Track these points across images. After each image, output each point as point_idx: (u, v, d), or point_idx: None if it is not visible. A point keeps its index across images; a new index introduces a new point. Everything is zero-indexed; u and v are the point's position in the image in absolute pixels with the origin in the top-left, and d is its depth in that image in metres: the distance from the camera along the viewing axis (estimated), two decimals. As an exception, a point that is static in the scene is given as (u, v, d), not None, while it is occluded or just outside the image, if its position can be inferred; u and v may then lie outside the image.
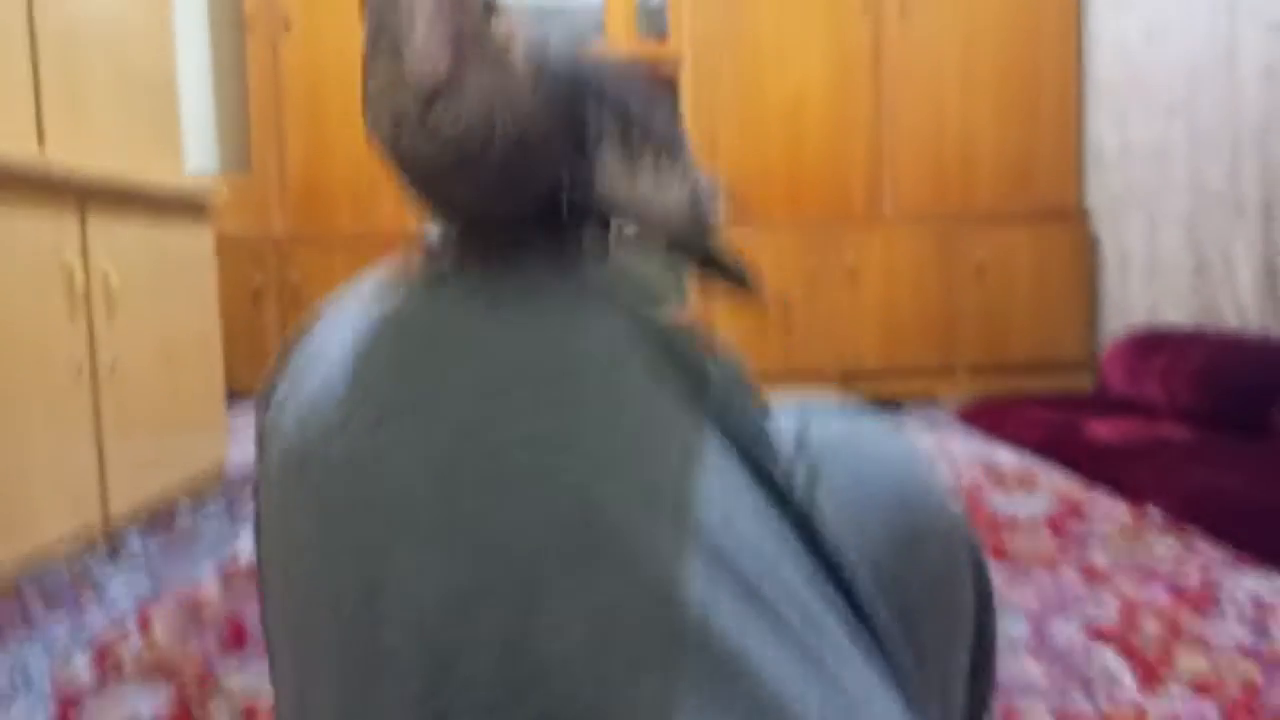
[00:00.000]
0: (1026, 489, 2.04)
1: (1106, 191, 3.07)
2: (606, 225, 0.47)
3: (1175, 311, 2.81)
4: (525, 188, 0.43)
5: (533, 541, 0.32)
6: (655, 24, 3.34)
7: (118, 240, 1.80)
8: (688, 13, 3.21)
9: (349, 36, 3.13)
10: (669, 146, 0.48)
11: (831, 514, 0.42)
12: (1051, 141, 3.26)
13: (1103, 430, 2.34)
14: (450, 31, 0.40)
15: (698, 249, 0.53)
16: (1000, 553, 1.60)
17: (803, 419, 0.47)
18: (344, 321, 0.42)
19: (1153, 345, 2.66)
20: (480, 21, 0.41)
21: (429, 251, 0.48)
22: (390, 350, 0.38)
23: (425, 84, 0.40)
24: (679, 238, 0.51)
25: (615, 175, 0.45)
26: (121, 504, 1.78)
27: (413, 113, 0.41)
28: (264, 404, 0.46)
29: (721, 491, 0.37)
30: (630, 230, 0.47)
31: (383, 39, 0.41)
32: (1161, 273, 2.86)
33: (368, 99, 0.43)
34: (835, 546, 0.41)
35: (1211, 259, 2.61)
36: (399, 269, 0.46)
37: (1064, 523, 1.77)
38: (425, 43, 0.40)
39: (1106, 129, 3.05)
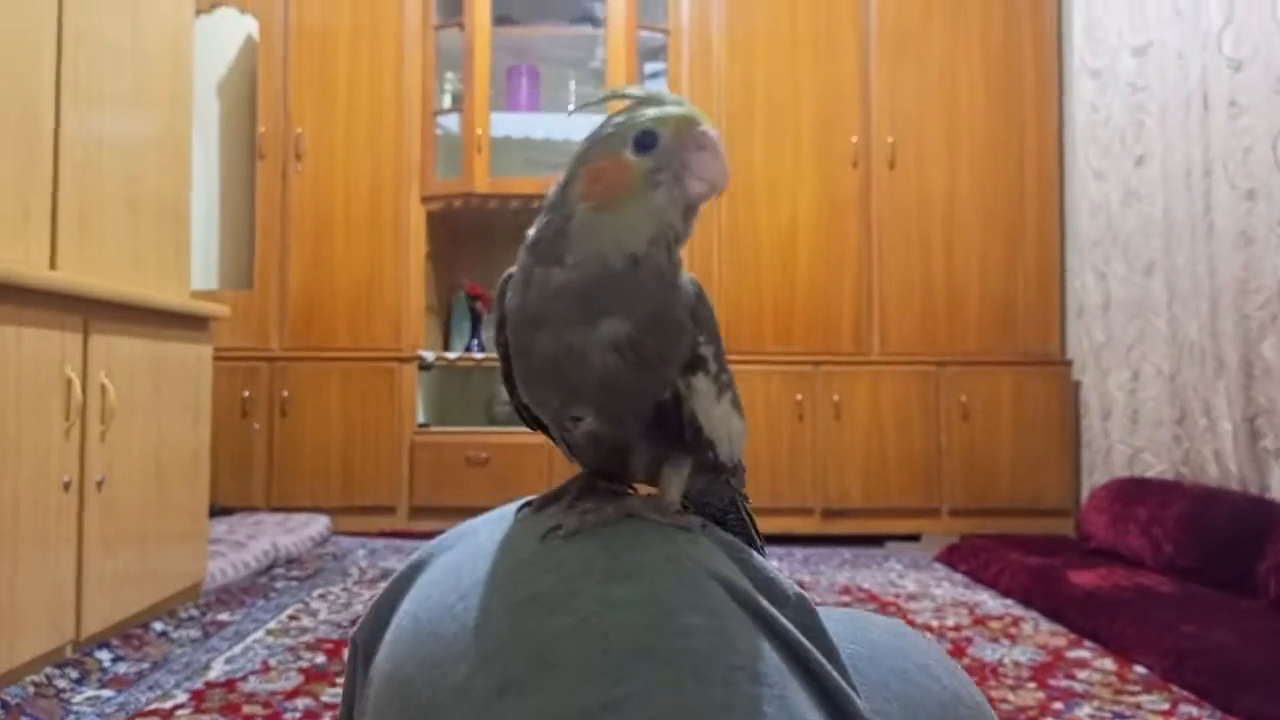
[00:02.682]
0: (1011, 638, 2.02)
1: (1090, 342, 3.15)
2: (689, 447, 0.48)
3: (1157, 461, 2.84)
4: (662, 373, 0.46)
5: None
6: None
7: (118, 355, 1.82)
8: (685, 155, 3.33)
9: (356, 169, 3.25)
10: (733, 384, 0.51)
11: None
12: (1034, 292, 3.36)
13: (1086, 579, 2.33)
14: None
15: (738, 481, 0.57)
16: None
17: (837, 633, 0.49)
18: (472, 562, 0.44)
19: (1135, 495, 2.68)
20: None
21: (557, 491, 0.49)
22: (514, 615, 0.39)
23: (700, 201, 0.48)
24: (733, 468, 0.54)
25: (705, 397, 0.48)
26: (95, 620, 1.75)
27: (679, 228, 0.47)
28: (377, 618, 0.47)
29: None
30: (709, 456, 0.50)
31: (665, 171, 0.47)
32: (1144, 423, 2.90)
33: (630, 218, 0.46)
34: None
35: (1193, 411, 2.66)
36: (526, 512, 0.47)
37: (1049, 675, 1.76)
38: (722, 168, 0.48)
39: (1089, 283, 3.14)
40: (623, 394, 0.45)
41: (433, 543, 0.49)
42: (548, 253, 0.46)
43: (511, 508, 0.49)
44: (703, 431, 0.48)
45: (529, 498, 0.49)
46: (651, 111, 0.47)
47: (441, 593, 0.43)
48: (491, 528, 0.46)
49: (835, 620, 0.53)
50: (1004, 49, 3.38)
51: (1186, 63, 2.64)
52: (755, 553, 0.47)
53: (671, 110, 0.47)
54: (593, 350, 0.44)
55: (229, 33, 3.51)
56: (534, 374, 0.47)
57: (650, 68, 3.50)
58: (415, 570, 0.47)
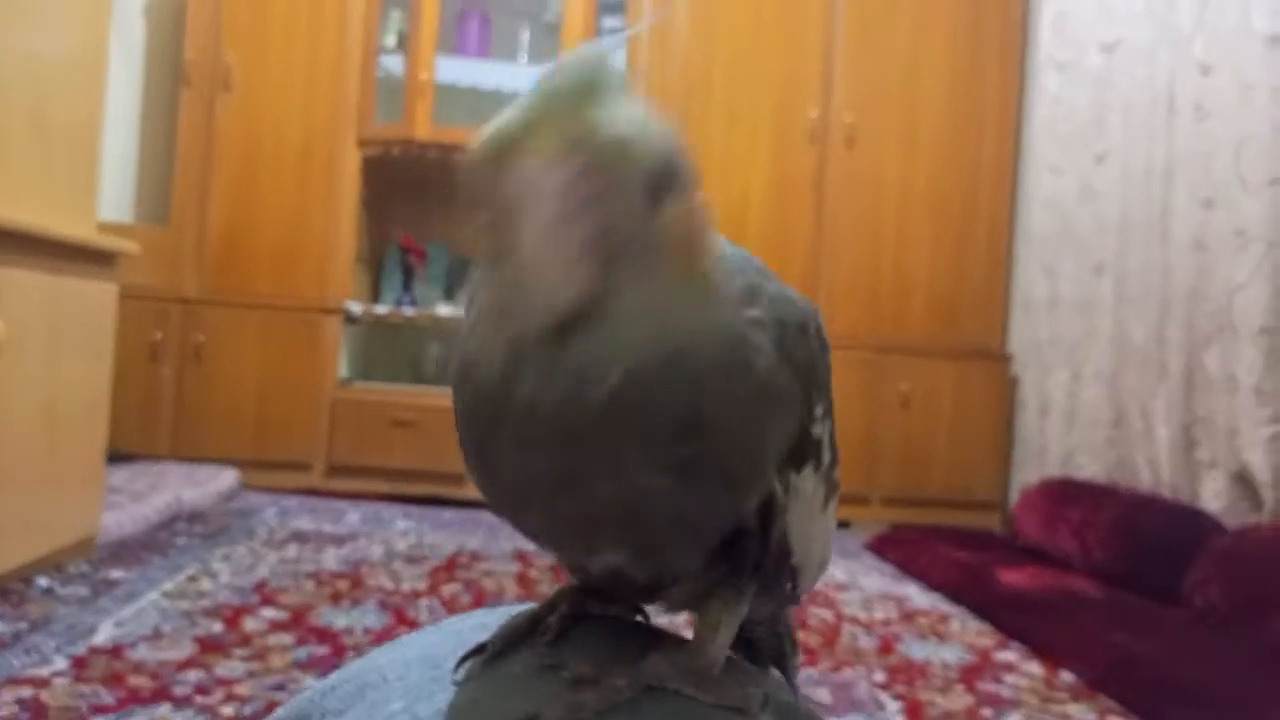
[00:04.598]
0: (939, 635, 1.99)
1: (1032, 339, 3.13)
2: (764, 574, 0.31)
3: (1090, 462, 2.84)
4: (739, 492, 0.29)
5: None
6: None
7: (10, 288, 1.66)
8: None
9: (289, 105, 3.06)
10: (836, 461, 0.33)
11: None
12: (980, 284, 3.33)
13: (1015, 579, 2.31)
14: (594, 228, 0.28)
15: (794, 600, 0.40)
16: (916, 708, 1.54)
17: None
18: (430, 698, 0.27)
19: (1068, 496, 2.67)
20: (640, 211, 0.29)
21: (527, 621, 0.32)
22: None
23: (556, 305, 0.28)
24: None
25: (810, 505, 0.32)
26: (-32, 575, 1.60)
27: (538, 349, 0.28)
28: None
29: None
30: (785, 587, 0.33)
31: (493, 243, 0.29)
32: (1080, 423, 2.89)
33: (462, 332, 0.30)
34: None
35: (1130, 415, 2.65)
36: (474, 667, 0.30)
37: (978, 677, 1.72)
38: (553, 245, 0.28)
39: (1036, 279, 3.12)
40: (670, 527, 0.29)
41: (314, 692, 0.32)
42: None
43: (445, 640, 0.32)
44: (792, 557, 0.32)
45: (473, 644, 0.31)
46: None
47: None
48: (410, 689, 0.29)
49: None
50: (970, 35, 3.32)
51: (1155, 63, 2.60)
52: None
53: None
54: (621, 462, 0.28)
55: (160, -51, 3.29)
56: (511, 488, 0.30)
57: (609, 23, 3.37)
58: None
